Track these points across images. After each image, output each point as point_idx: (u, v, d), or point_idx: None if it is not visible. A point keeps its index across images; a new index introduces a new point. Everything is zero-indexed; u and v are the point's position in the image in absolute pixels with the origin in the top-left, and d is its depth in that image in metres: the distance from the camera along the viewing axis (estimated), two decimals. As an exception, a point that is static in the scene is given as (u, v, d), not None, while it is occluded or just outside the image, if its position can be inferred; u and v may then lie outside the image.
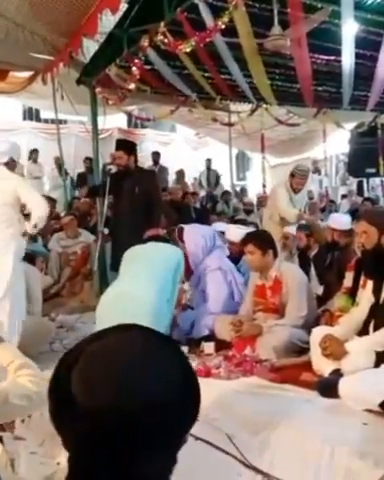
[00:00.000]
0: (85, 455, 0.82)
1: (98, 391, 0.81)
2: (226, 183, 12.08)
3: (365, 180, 12.48)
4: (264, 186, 10.92)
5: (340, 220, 5.18)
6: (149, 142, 13.57)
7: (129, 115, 10.36)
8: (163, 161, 11.78)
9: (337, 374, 3.07)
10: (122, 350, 0.86)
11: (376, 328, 3.18)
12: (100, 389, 0.81)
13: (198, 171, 12.75)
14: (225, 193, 11.34)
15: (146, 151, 12.21)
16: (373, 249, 3.38)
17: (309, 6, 4.66)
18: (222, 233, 5.51)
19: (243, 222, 6.85)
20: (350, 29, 5.07)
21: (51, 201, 8.53)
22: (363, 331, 3.27)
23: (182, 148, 14.31)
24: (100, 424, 0.80)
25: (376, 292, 3.26)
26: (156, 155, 11.55)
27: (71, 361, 0.86)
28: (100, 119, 6.77)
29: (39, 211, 3.83)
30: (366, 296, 3.38)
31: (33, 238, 6.32)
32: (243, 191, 13.08)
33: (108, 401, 0.80)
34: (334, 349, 3.15)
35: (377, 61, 5.70)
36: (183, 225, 4.94)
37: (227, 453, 2.51)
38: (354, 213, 8.16)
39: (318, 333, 3.36)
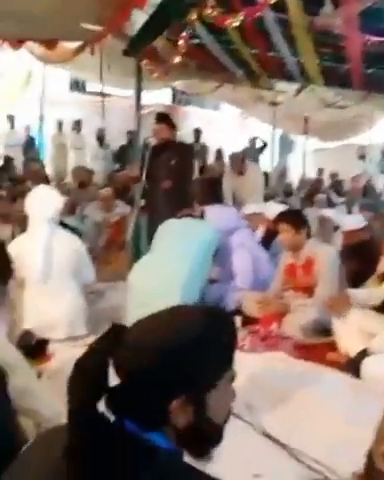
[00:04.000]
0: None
1: None
2: (266, 164, 11.93)
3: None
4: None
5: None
6: (192, 119, 13.49)
7: (173, 90, 10.30)
8: (205, 139, 11.71)
9: (364, 355, 3.05)
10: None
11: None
12: None
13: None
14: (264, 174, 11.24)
15: (188, 128, 12.15)
16: None
17: (363, -16, 4.52)
18: (253, 214, 5.49)
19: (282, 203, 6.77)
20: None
21: (88, 172, 8.70)
22: None
23: (225, 127, 14.18)
24: None
25: None
26: (197, 132, 11.46)
27: None
28: (144, 93, 6.77)
29: None
30: None
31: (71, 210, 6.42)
32: (284, 173, 12.91)
33: None
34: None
35: None
36: (205, 207, 4.93)
37: (245, 421, 2.55)
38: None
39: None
